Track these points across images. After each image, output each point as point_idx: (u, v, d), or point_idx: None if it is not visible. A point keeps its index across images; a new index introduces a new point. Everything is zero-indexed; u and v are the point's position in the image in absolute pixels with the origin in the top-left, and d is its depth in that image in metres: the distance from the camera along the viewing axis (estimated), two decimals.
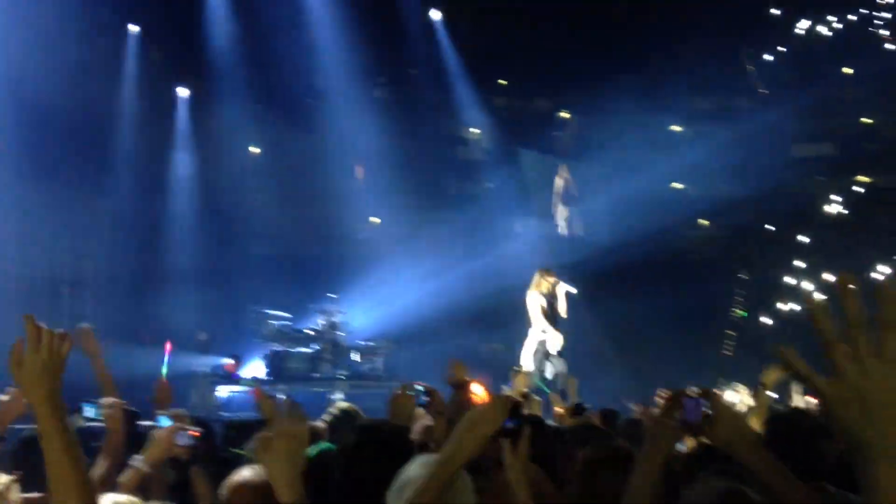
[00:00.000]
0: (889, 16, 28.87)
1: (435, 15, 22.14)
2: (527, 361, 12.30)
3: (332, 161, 20.61)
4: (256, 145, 21.87)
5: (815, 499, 2.07)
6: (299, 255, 19.07)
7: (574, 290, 12.60)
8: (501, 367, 17.01)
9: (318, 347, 15.10)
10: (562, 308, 12.68)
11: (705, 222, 23.61)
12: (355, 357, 15.28)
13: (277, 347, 14.99)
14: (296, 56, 20.04)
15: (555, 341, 12.31)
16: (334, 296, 16.14)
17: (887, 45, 28.07)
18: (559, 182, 22.59)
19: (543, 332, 12.18)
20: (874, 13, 28.97)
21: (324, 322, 15.44)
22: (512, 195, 22.19)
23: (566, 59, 23.71)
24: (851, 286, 1.06)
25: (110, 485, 3.75)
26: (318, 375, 14.69)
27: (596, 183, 23.47)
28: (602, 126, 24.74)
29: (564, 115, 26.44)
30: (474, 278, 18.19)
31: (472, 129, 24.99)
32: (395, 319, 17.09)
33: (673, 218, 22.39)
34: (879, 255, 21.03)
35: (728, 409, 2.13)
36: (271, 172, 20.59)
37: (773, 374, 4.94)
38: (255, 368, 15.42)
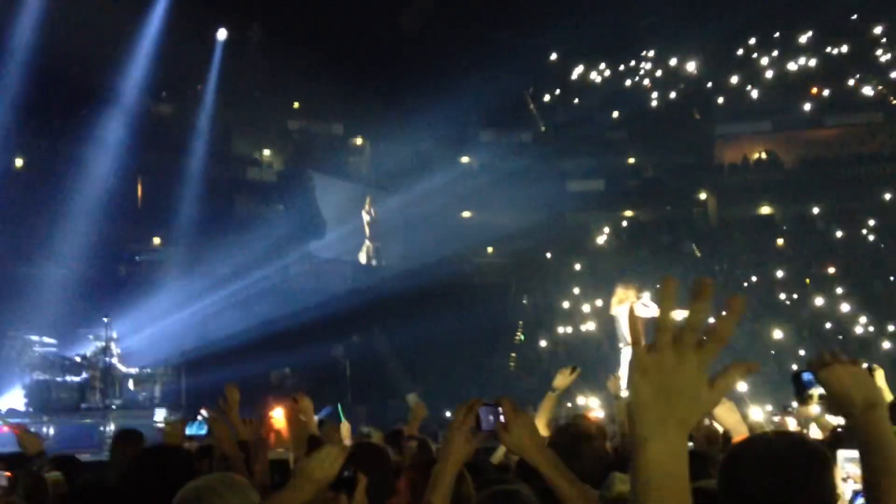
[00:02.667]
0: (649, 66, 32.16)
1: (221, 34, 21.51)
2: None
3: (108, 176, 19.21)
4: (21, 157, 19.95)
5: (591, 497, 2.20)
6: (69, 275, 17.50)
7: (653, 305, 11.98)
8: (289, 392, 16.64)
9: (87, 376, 13.86)
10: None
11: (491, 250, 24.74)
12: (130, 385, 14.20)
13: (40, 376, 13.58)
14: (72, 65, 18.61)
15: None
16: (107, 319, 14.92)
17: (649, 93, 31.24)
18: (365, 216, 22.77)
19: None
20: (640, 64, 32.18)
21: (95, 348, 14.22)
22: (304, 218, 21.92)
23: (361, 87, 24.01)
24: (671, 290, 1.14)
25: None
26: (86, 406, 13.47)
27: (389, 209, 23.86)
28: (395, 153, 25.28)
29: (359, 141, 26.71)
30: (264, 302, 17.69)
31: (264, 151, 24.48)
32: (177, 345, 16.16)
33: (462, 245, 23.25)
34: (642, 281, 23.09)
35: (520, 416, 2.20)
36: (38, 186, 18.84)
37: (564, 379, 5.28)
38: (13, 400, 13.87)
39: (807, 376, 2.08)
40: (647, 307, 10.97)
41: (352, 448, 4.42)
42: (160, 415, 10.73)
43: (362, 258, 21.13)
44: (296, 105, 25.58)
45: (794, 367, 17.15)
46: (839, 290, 21.95)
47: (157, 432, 8.91)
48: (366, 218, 21.83)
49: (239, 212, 22.33)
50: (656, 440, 1.13)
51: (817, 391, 2.04)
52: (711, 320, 1.15)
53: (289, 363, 17.00)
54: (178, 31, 20.25)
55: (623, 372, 11.26)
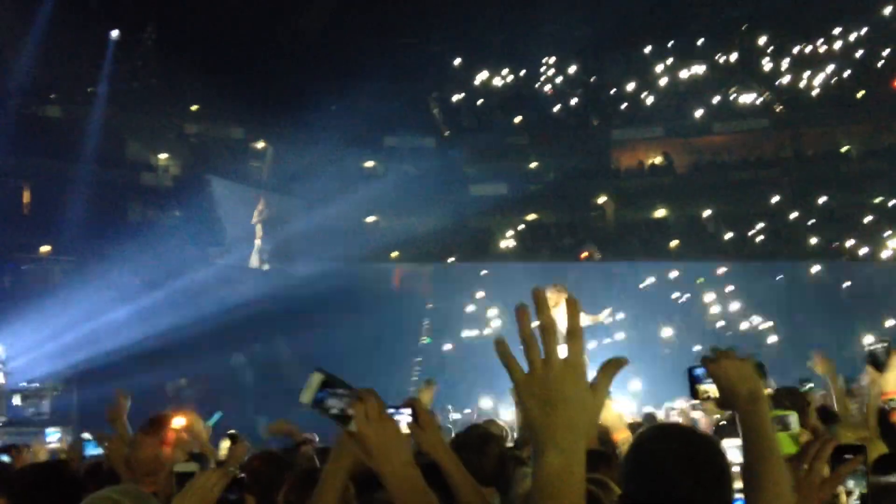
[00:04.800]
0: (552, 73, 32.89)
1: (114, 34, 20.77)
2: None
3: None
4: None
5: (485, 499, 2.26)
6: None
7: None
8: (187, 403, 16.19)
9: None
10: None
11: (395, 254, 24.76)
12: (17, 401, 13.56)
13: None
14: None
15: None
16: None
17: (550, 99, 31.95)
18: (257, 218, 22.30)
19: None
20: (540, 70, 32.87)
21: None
22: (203, 224, 21.37)
23: (262, 90, 23.61)
24: (545, 300, 1.21)
25: None
26: None
27: (292, 214, 23.55)
28: (298, 158, 24.97)
29: (260, 145, 26.26)
30: (161, 311, 17.15)
31: (159, 155, 23.74)
32: (68, 357, 15.51)
33: (366, 250, 23.18)
34: (542, 283, 23.57)
35: (430, 419, 2.20)
36: None
37: (425, 394, 5.42)
38: None
39: (698, 371, 2.21)
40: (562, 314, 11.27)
41: (242, 466, 4.33)
42: (53, 435, 10.25)
43: (253, 261, 20.73)
44: (194, 108, 24.92)
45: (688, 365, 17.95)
46: (729, 289, 23.02)
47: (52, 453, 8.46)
48: (256, 219, 21.40)
49: (132, 218, 21.59)
50: (551, 451, 1.20)
51: (708, 386, 2.16)
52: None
53: (187, 373, 16.58)
54: (68, 32, 19.45)
55: None
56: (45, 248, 19.28)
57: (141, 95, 22.42)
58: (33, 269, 18.65)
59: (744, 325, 21.73)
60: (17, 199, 19.89)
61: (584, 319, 12.13)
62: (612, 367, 1.30)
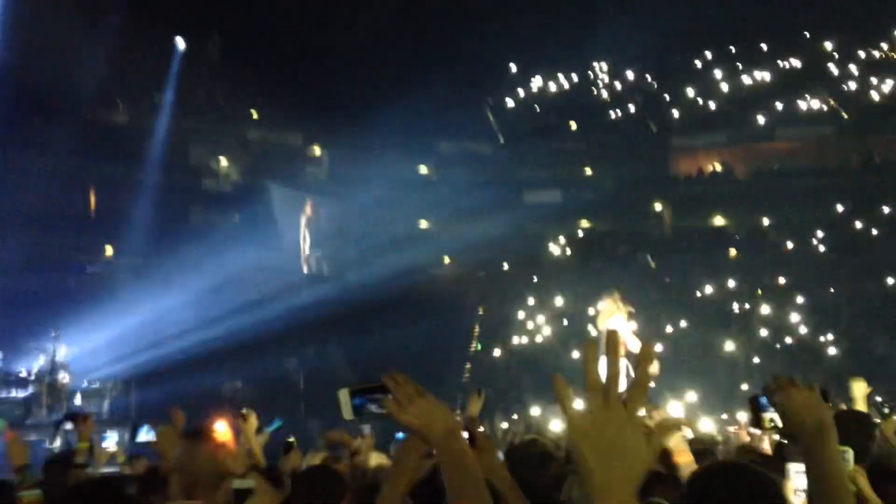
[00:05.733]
0: (608, 78, 32.62)
1: (180, 43, 21.36)
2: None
3: (61, 185, 18.94)
4: None
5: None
6: (17, 287, 17.19)
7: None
8: (242, 405, 16.52)
9: (33, 390, 13.68)
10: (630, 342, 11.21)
11: (447, 260, 24.83)
12: (78, 400, 14.03)
13: None
14: (27, 74, 18.32)
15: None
16: (55, 333, 14.72)
17: (607, 105, 31.67)
18: (304, 221, 22.65)
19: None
20: (598, 75, 32.63)
21: (42, 362, 14.04)
22: (260, 229, 21.78)
23: (320, 96, 23.99)
24: (616, 341, 1.20)
25: None
26: (32, 421, 13.28)
27: (347, 219, 23.85)
28: (354, 163, 25.28)
29: (317, 150, 26.65)
30: (217, 314, 17.54)
31: (221, 161, 24.31)
32: (129, 358, 15.98)
33: (418, 255, 23.31)
34: (594, 294, 23.32)
35: (488, 443, 2.20)
36: None
37: (474, 404, 5.32)
38: None
39: (762, 400, 2.18)
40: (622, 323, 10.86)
41: (297, 478, 4.34)
42: (111, 440, 10.54)
43: (304, 267, 21.01)
44: (254, 114, 25.47)
45: (745, 387, 17.33)
46: (790, 301, 22.40)
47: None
48: (304, 222, 21.64)
49: (194, 222, 22.13)
50: (605, 500, 1.17)
51: (773, 415, 2.12)
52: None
53: (242, 376, 16.91)
54: (136, 41, 20.09)
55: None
56: (109, 251, 19.91)
57: (204, 102, 23.00)
58: (97, 271, 19.26)
59: (803, 337, 21.11)
60: (84, 202, 20.58)
61: (626, 327, 11.71)
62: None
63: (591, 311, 22.48)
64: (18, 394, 13.71)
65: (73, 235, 18.90)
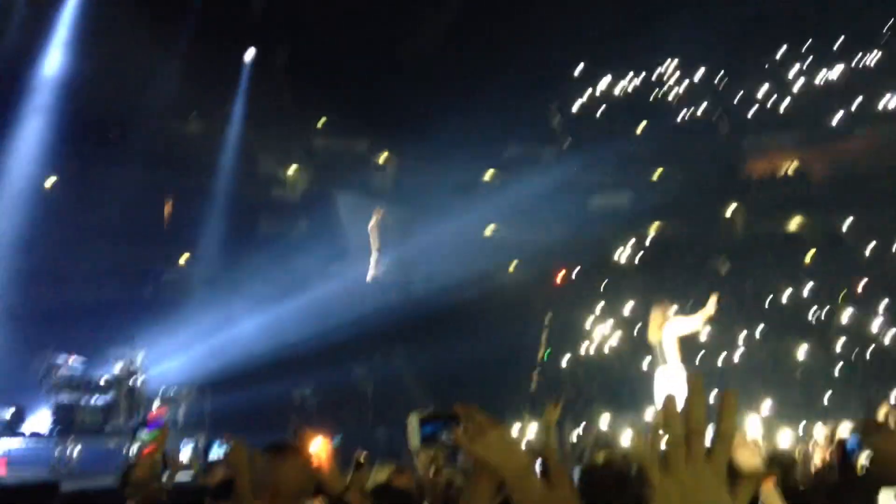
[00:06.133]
0: (676, 79, 31.97)
1: (248, 55, 21.81)
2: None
3: (137, 197, 19.57)
4: (52, 177, 20.38)
5: None
6: (97, 295, 17.82)
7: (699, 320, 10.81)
8: (311, 413, 16.71)
9: (113, 397, 14.11)
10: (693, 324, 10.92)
11: (513, 267, 24.65)
12: (155, 407, 14.40)
13: (66, 397, 13.83)
14: (103, 87, 18.98)
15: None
16: (133, 339, 15.16)
17: (676, 106, 31.04)
18: (372, 226, 22.77)
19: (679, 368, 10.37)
20: (665, 76, 32.02)
21: (122, 368, 14.46)
22: (327, 236, 22.05)
23: (385, 104, 24.18)
24: (700, 390, 1.12)
25: None
26: (111, 427, 13.70)
27: (412, 226, 23.93)
28: (419, 170, 25.39)
29: (382, 157, 26.86)
30: (286, 322, 17.81)
31: (289, 170, 24.73)
32: (202, 365, 16.34)
33: (485, 262, 23.23)
34: (667, 300, 22.83)
35: (562, 473, 2.09)
36: (68, 207, 19.23)
37: (551, 414, 5.15)
38: (40, 421, 14.15)
39: (850, 444, 2.05)
40: (681, 323, 10.60)
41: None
42: (186, 452, 10.76)
43: (371, 273, 21.07)
44: (320, 123, 25.81)
45: (825, 400, 16.61)
46: (871, 308, 21.55)
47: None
48: (370, 230, 21.66)
49: (263, 231, 22.56)
50: None
51: (863, 459, 2.00)
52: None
53: (310, 384, 17.11)
54: (207, 52, 20.58)
55: (657, 394, 10.85)
56: (182, 260, 20.47)
57: (272, 112, 23.41)
58: (172, 279, 19.79)
59: (886, 347, 20.25)
60: (159, 212, 21.20)
61: (690, 321, 11.33)
62: (752, 481, 1.21)
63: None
64: (98, 401, 14.14)
65: (150, 245, 19.52)
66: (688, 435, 1.11)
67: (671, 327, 10.42)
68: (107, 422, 13.92)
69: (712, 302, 10.39)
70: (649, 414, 15.68)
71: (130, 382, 14.36)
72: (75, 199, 19.51)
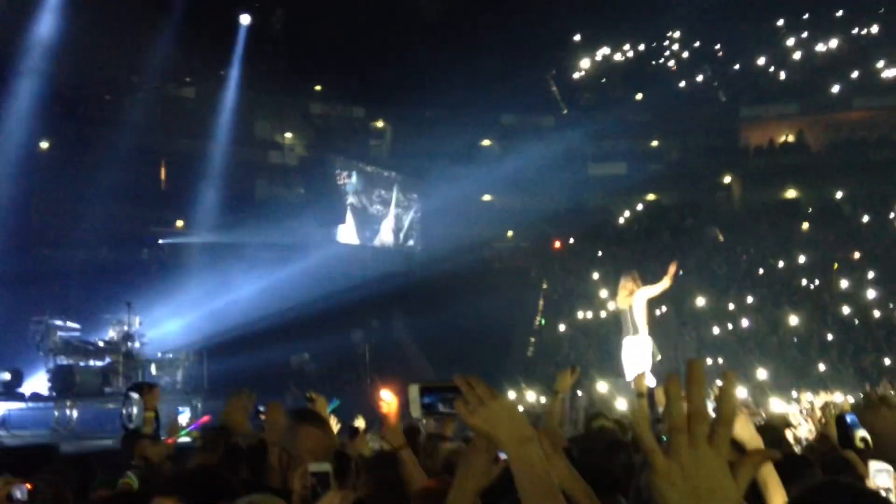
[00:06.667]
0: (676, 47, 31.76)
1: (244, 19, 21.46)
2: (643, 368, 10.38)
3: (133, 160, 19.36)
4: (47, 140, 20.16)
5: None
6: (93, 259, 17.71)
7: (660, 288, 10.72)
8: (310, 378, 16.76)
9: (110, 360, 14.04)
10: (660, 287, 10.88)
11: (511, 234, 24.67)
12: (152, 370, 14.38)
13: (64, 361, 13.78)
14: (98, 51, 18.70)
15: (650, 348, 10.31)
16: (130, 303, 15.07)
17: (674, 75, 30.87)
18: (394, 203, 22.70)
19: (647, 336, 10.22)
20: (665, 44, 31.81)
21: (118, 332, 14.39)
22: (325, 203, 21.95)
23: (382, 70, 23.95)
24: (699, 374, 1.10)
25: None
26: (110, 390, 13.67)
27: (410, 194, 23.85)
28: (416, 137, 25.24)
29: (380, 124, 26.69)
30: (285, 286, 17.79)
31: (286, 135, 24.53)
32: (199, 329, 16.32)
33: (482, 230, 23.22)
34: (661, 268, 22.90)
35: (556, 444, 2.08)
36: (63, 170, 19.03)
37: (566, 380, 5.08)
38: (38, 383, 14.12)
39: (850, 418, 2.03)
40: (647, 291, 10.53)
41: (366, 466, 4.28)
42: (184, 417, 10.76)
43: (368, 240, 20.98)
44: (318, 88, 25.57)
45: (821, 366, 16.71)
46: (864, 276, 21.65)
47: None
48: (394, 204, 21.64)
49: (259, 195, 22.44)
50: None
51: (864, 434, 1.98)
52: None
53: (309, 348, 17.12)
54: (203, 17, 20.30)
55: (625, 361, 10.89)
56: (179, 223, 20.34)
57: (269, 77, 23.16)
58: (169, 243, 19.69)
59: (880, 315, 20.38)
60: (156, 175, 21.03)
61: (655, 289, 11.26)
62: (755, 458, 1.19)
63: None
64: (97, 363, 14.10)
65: (146, 209, 19.38)
66: (689, 419, 1.10)
67: (640, 296, 10.39)
68: (105, 385, 13.89)
69: (671, 271, 10.34)
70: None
71: (128, 346, 14.31)
72: (70, 162, 19.29)
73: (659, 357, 10.15)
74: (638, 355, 10.09)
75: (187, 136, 20.36)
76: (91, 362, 14.26)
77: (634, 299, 10.31)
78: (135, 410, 12.45)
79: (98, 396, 13.79)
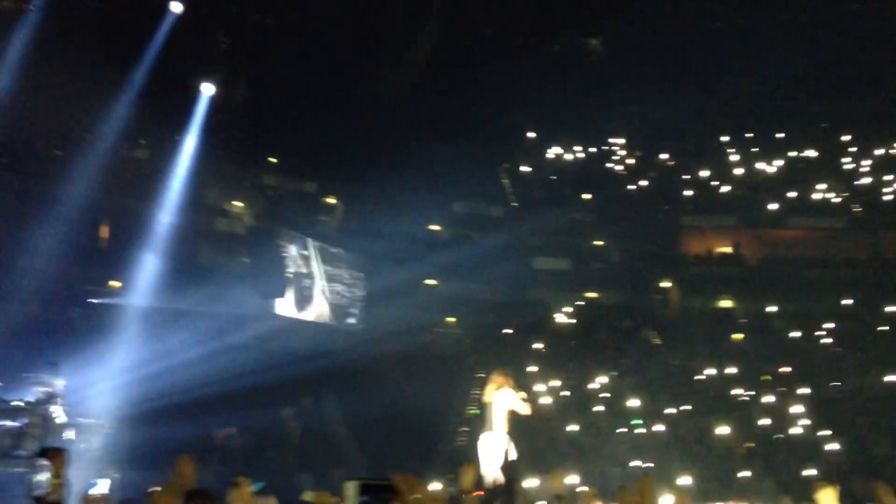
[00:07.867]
0: (624, 153, 32.99)
1: (207, 89, 21.66)
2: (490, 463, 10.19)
3: (73, 216, 18.97)
4: None
5: None
6: (20, 315, 17.12)
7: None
8: (233, 454, 16.32)
9: (26, 421, 13.51)
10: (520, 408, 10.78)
11: (452, 320, 24.73)
12: (70, 435, 13.84)
13: None
14: (53, 106, 18.57)
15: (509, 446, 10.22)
16: (55, 363, 14.60)
17: (621, 179, 31.96)
18: (313, 267, 22.65)
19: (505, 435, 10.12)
20: (614, 149, 33.02)
21: (39, 394, 13.89)
22: (268, 274, 21.78)
23: (338, 148, 24.30)
24: (649, 491, 1.20)
25: None
26: (22, 453, 13.10)
27: (354, 272, 23.88)
28: (366, 216, 25.48)
29: (331, 200, 26.86)
30: (219, 357, 17.46)
31: (234, 203, 24.48)
32: (126, 396, 15.84)
33: (424, 313, 23.25)
34: (598, 365, 23.26)
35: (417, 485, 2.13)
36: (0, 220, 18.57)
37: (468, 477, 5.16)
38: None
39: None
40: (511, 397, 10.68)
41: None
42: (104, 485, 10.37)
43: (307, 316, 20.84)
44: (272, 160, 25.76)
45: (740, 475, 16.91)
46: (791, 392, 22.17)
47: None
48: (313, 271, 21.53)
49: (203, 261, 22.18)
50: None
51: None
52: None
53: (236, 422, 16.76)
54: (165, 81, 20.41)
55: (480, 458, 10.92)
56: (114, 284, 19.88)
57: (224, 145, 23.24)
58: (101, 303, 19.23)
59: (800, 431, 20.81)
60: (94, 234, 20.61)
61: (518, 404, 11.28)
62: None
63: (590, 385, 22.35)
64: (11, 424, 13.55)
65: (82, 267, 18.94)
66: None
67: (503, 396, 10.51)
68: (17, 447, 13.32)
69: (525, 399, 10.47)
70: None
71: (46, 408, 13.80)
72: (9, 215, 18.87)
73: (515, 455, 10.05)
74: (491, 452, 10.13)
75: (134, 196, 20.17)
76: (5, 423, 13.71)
77: (497, 396, 10.39)
78: (43, 477, 11.95)
79: (7, 459, 13.20)
